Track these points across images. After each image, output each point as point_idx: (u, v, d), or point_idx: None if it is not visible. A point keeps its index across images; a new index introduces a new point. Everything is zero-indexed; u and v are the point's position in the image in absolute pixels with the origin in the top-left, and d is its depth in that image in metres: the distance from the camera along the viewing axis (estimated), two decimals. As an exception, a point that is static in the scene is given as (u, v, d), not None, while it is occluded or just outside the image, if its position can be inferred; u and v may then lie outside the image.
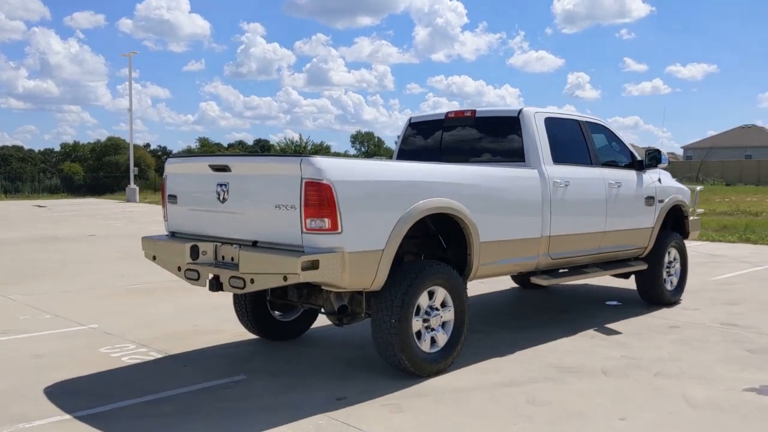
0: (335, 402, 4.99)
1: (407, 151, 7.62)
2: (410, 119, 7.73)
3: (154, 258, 5.95)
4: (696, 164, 56.67)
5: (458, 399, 5.07)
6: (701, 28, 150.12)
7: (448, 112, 7.35)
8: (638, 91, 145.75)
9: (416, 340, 5.45)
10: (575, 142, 7.25)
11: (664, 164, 7.83)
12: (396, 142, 7.93)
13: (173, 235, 6.05)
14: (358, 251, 5.02)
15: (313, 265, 4.81)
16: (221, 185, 5.41)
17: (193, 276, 5.56)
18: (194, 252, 5.55)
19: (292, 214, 4.95)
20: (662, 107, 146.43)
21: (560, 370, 5.74)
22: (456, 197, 5.66)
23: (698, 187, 9.02)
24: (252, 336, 6.84)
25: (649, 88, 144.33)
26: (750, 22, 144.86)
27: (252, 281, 5.07)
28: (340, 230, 4.89)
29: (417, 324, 5.46)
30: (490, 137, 7.04)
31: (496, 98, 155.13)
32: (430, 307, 5.58)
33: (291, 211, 4.95)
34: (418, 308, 5.46)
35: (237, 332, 7.04)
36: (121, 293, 9.43)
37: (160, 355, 6.24)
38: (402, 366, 5.42)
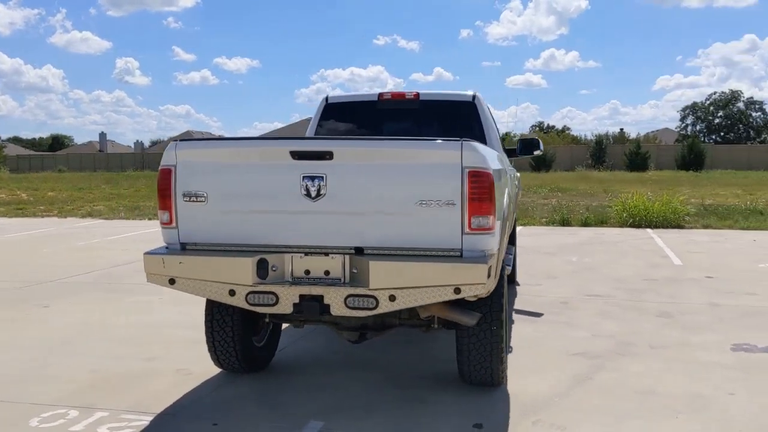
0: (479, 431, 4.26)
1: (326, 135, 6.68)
2: (327, 99, 6.77)
3: (173, 282, 4.22)
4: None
5: (579, 405, 4.71)
6: (244, 23, 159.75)
7: (381, 94, 6.63)
8: (188, 80, 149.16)
9: None
10: (495, 129, 7.26)
11: (540, 152, 8.31)
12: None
13: (184, 247, 4.36)
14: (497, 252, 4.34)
15: (489, 272, 4.00)
16: (313, 178, 4.09)
17: (266, 301, 4.12)
18: (263, 268, 4.12)
19: (447, 212, 4.02)
20: (211, 97, 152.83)
21: (587, 357, 5.74)
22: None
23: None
24: (210, 372, 5.33)
25: (199, 77, 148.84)
26: (288, 22, 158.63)
27: (392, 298, 3.99)
28: (494, 228, 4.16)
29: (499, 329, 4.92)
30: (439, 123, 6.57)
31: (38, 79, 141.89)
32: (497, 309, 5.07)
33: (447, 207, 4.01)
34: None
35: (177, 369, 5.45)
36: None
37: (147, 417, 4.46)
38: (491, 379, 4.83)
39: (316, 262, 4.17)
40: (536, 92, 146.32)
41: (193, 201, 4.26)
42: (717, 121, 74.09)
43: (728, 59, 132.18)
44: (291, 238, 4.20)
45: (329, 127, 6.68)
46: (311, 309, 4.08)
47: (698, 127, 73.26)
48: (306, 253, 4.18)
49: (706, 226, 15.84)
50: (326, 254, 4.16)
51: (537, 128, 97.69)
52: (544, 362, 5.63)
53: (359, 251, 4.16)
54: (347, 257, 4.14)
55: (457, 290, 3.95)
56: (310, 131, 6.75)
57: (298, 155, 4.11)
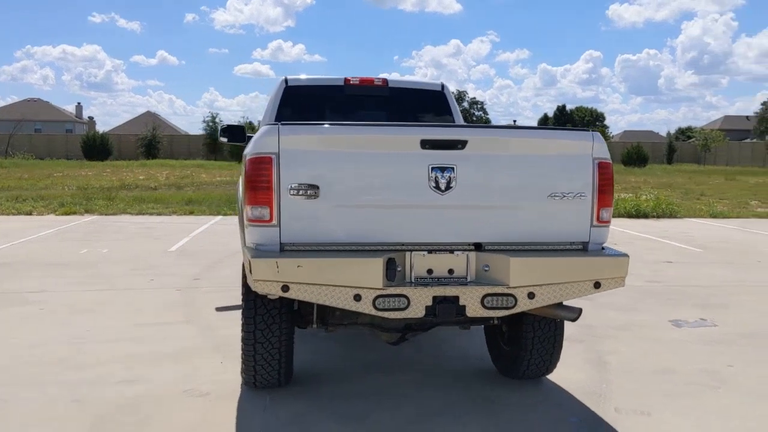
0: (578, 424, 4.27)
1: (289, 120, 6.11)
2: (287, 82, 6.18)
3: (286, 289, 3.58)
4: (5, 137, 53.63)
5: (630, 389, 4.92)
6: None
7: (348, 78, 6.25)
8: None
9: None
10: (462, 119, 7.21)
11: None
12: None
13: (283, 248, 3.71)
14: None
15: None
16: (442, 169, 3.74)
17: (397, 305, 3.69)
18: (391, 268, 3.70)
19: (578, 204, 3.93)
20: None
21: (574, 341, 5.94)
22: None
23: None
24: (229, 391, 4.66)
25: None
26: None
27: (531, 296, 3.81)
28: (611, 221, 4.18)
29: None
30: (409, 111, 6.35)
31: None
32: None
33: (577, 200, 3.92)
34: None
35: (184, 390, 4.69)
36: None
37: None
38: (546, 370, 4.86)
39: (439, 260, 3.83)
40: (265, 82, 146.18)
41: (302, 195, 3.67)
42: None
43: (437, 61, 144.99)
44: (414, 234, 3.81)
45: (292, 108, 6.13)
46: (447, 311, 3.74)
47: (430, 123, 79.02)
48: (429, 251, 3.82)
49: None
50: (451, 251, 3.84)
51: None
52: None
53: (478, 247, 3.91)
54: (472, 254, 3.87)
55: (597, 285, 3.91)
56: (269, 116, 6.14)
57: (428, 144, 3.74)
